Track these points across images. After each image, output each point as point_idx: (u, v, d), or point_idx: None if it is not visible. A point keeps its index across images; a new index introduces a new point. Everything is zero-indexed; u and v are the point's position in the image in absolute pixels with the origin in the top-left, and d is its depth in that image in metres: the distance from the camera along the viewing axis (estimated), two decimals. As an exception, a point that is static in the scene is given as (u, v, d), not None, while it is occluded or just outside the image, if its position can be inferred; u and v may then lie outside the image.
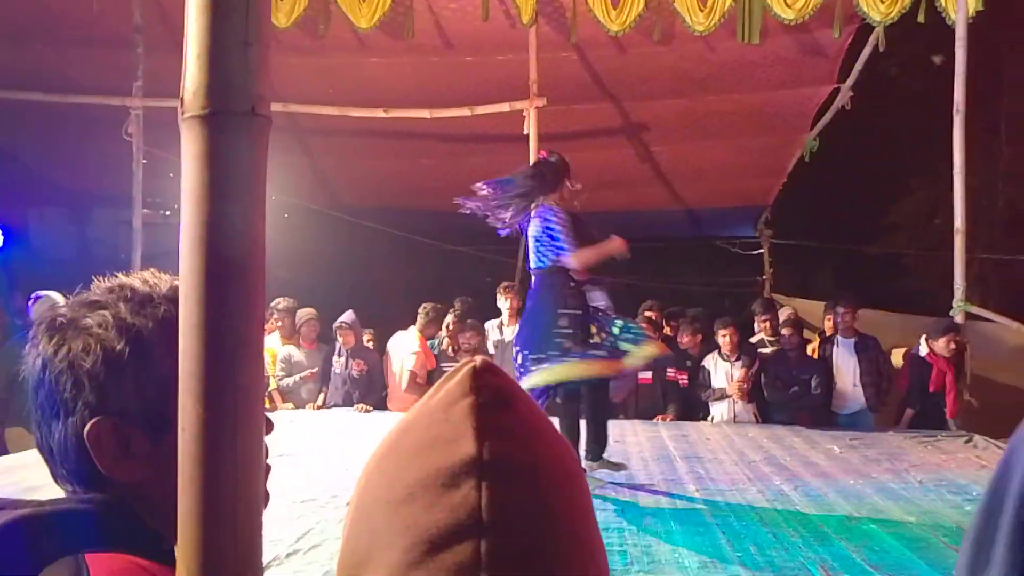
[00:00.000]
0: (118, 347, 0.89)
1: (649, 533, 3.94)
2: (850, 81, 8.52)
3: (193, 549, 0.70)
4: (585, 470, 4.62)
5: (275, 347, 7.72)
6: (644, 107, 9.05)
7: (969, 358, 7.00)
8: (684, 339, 7.56)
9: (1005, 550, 0.42)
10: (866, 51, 8.17)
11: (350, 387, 7.65)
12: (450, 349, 7.62)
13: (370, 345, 8.07)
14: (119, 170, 8.10)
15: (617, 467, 4.89)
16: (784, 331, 7.44)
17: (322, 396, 7.78)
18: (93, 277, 0.97)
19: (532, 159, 7.52)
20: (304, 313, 7.95)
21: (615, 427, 6.37)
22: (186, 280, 0.72)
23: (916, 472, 5.23)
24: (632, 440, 6.23)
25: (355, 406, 7.49)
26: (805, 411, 7.02)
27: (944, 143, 7.31)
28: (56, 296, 6.31)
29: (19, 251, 10.02)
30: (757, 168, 10.15)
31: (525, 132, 7.60)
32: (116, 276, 0.97)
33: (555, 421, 4.25)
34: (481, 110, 7.95)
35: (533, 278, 4.78)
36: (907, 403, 7.11)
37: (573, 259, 4.64)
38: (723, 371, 7.16)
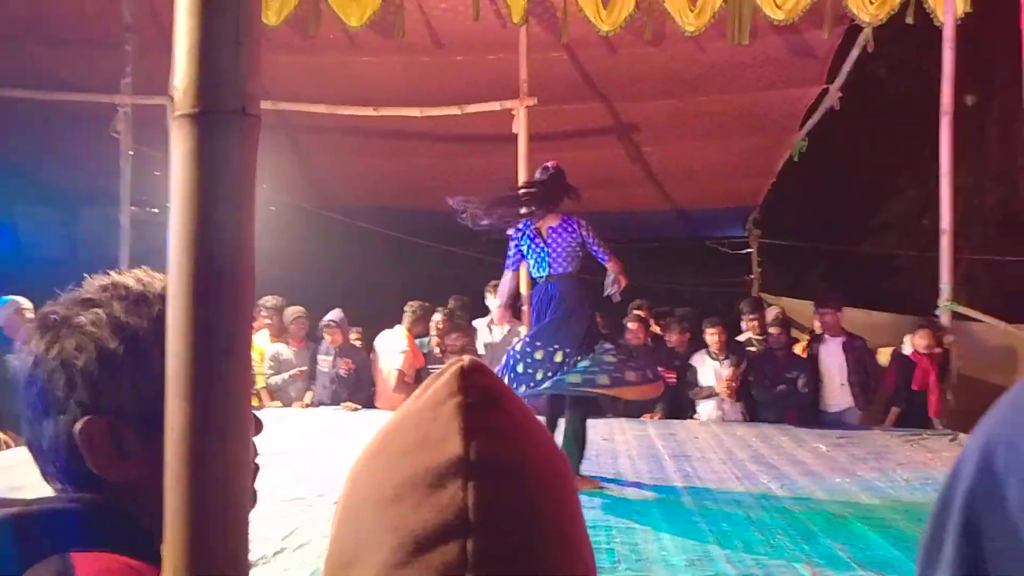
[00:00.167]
0: (112, 346, 0.89)
1: (636, 531, 3.95)
2: (839, 82, 8.56)
3: (180, 549, 0.70)
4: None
5: (263, 345, 7.70)
6: (634, 107, 9.06)
7: (955, 358, 7.06)
8: (672, 338, 7.58)
9: (953, 549, 0.43)
10: (855, 52, 8.20)
11: (338, 386, 7.64)
12: (437, 349, 7.61)
13: (357, 344, 8.06)
14: (107, 168, 8.06)
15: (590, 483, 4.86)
16: (772, 330, 7.48)
17: (310, 394, 7.77)
18: (84, 275, 0.96)
19: (522, 158, 7.54)
20: (292, 311, 7.94)
21: (603, 425, 6.39)
22: (174, 279, 0.72)
23: (902, 470, 5.26)
24: (620, 438, 6.25)
25: (342, 404, 7.48)
26: (792, 409, 7.06)
27: (932, 143, 7.36)
28: (22, 301, 6.27)
29: (6, 249, 9.97)
30: (746, 168, 10.18)
31: (515, 131, 7.60)
32: (109, 274, 0.96)
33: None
34: (471, 109, 7.94)
35: (557, 282, 4.90)
36: (893, 402, 7.16)
37: (614, 265, 5.00)
38: (711, 369, 7.18)
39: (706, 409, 7.20)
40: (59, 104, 8.22)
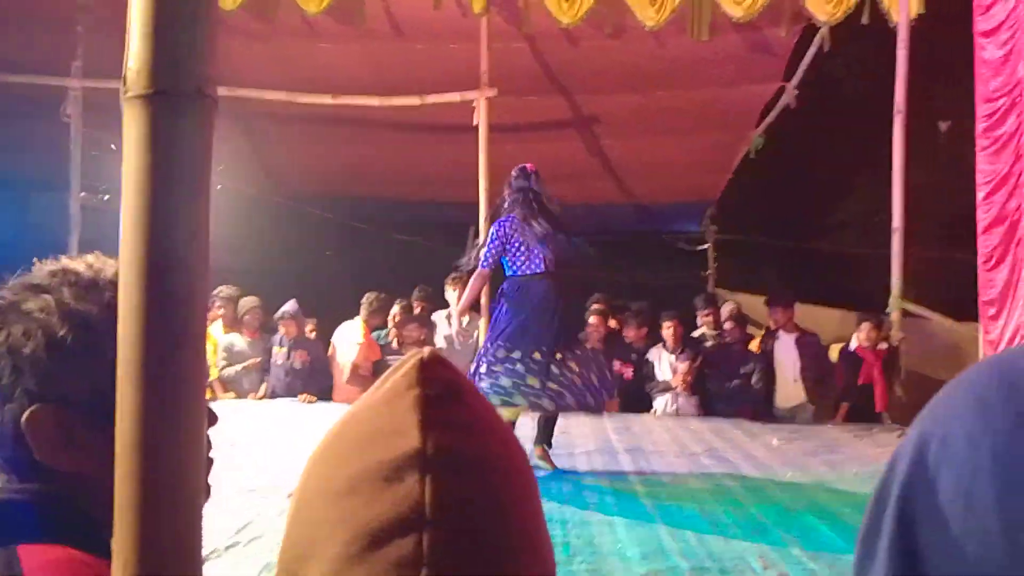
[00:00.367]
0: (61, 333, 0.87)
1: (592, 525, 3.97)
2: (796, 80, 8.68)
3: (130, 541, 0.68)
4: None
5: (217, 336, 7.60)
6: (595, 101, 9.09)
7: (903, 354, 7.21)
8: (629, 333, 7.63)
9: (888, 540, 0.44)
10: (811, 51, 8.32)
11: (292, 378, 7.56)
12: (395, 341, 7.56)
13: (313, 335, 7.99)
14: (56, 152, 7.88)
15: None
16: (727, 325, 7.57)
17: (264, 386, 7.68)
18: (33, 261, 0.94)
19: (482, 150, 7.53)
20: (247, 301, 7.83)
21: (559, 418, 6.41)
22: (126, 266, 0.70)
23: (852, 465, 5.36)
24: (576, 432, 6.27)
25: (299, 397, 7.40)
26: (747, 404, 7.15)
27: (885, 142, 7.49)
28: None
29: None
30: (704, 164, 10.27)
31: (475, 123, 7.58)
32: (59, 260, 0.94)
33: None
34: (432, 99, 7.90)
35: (545, 281, 4.92)
36: (843, 397, 7.28)
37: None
38: (667, 363, 7.24)
39: (662, 403, 7.26)
40: (6, 86, 8.01)
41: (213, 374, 7.45)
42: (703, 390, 7.28)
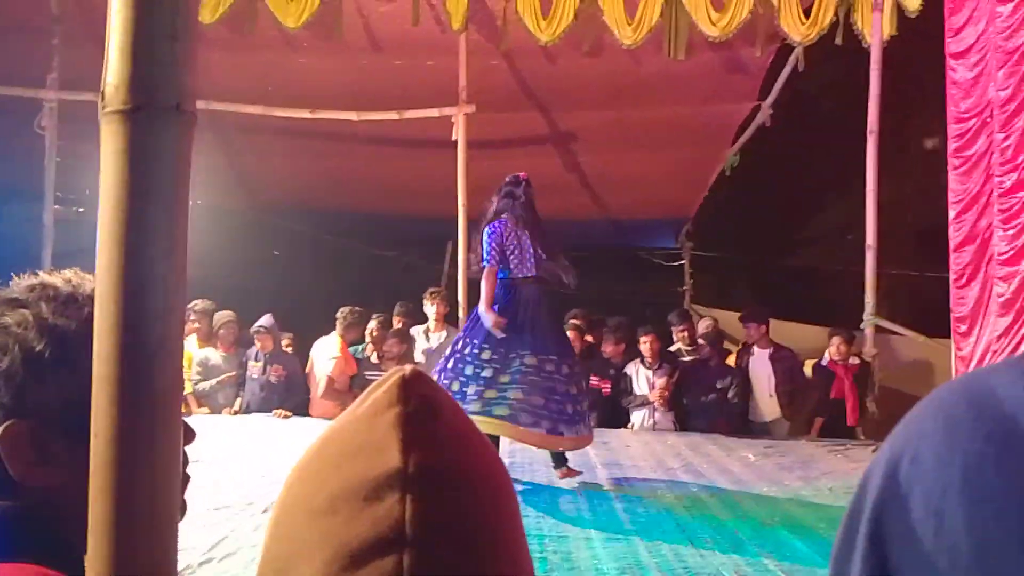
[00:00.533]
0: (38, 348, 0.86)
1: (569, 540, 3.96)
2: (771, 99, 8.77)
3: (104, 559, 0.67)
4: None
5: (191, 350, 7.52)
6: (572, 117, 9.14)
7: (876, 369, 7.27)
8: (607, 348, 7.63)
9: (861, 557, 0.45)
10: (786, 70, 8.41)
11: (268, 393, 7.50)
12: (374, 356, 7.52)
13: (289, 350, 7.93)
14: (30, 164, 7.80)
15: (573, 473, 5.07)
16: (701, 341, 7.61)
17: (239, 401, 7.61)
18: (7, 274, 0.93)
19: (461, 165, 7.54)
20: (222, 315, 7.76)
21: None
22: (102, 280, 0.69)
23: (827, 480, 5.39)
24: (554, 447, 6.26)
25: (274, 412, 7.34)
26: (723, 419, 7.17)
27: (857, 161, 7.59)
28: None
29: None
30: (680, 181, 10.34)
31: (454, 138, 7.59)
32: (37, 274, 0.93)
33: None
34: (410, 115, 7.91)
35: (535, 286, 5.03)
36: (816, 412, 7.33)
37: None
38: (644, 378, 7.25)
39: (639, 418, 7.27)
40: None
41: (187, 389, 7.37)
42: (680, 405, 7.30)
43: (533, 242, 5.02)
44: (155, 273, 0.69)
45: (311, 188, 10.44)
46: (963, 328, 6.06)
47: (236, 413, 7.49)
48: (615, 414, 7.35)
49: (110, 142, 0.70)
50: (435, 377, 4.69)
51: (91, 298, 0.88)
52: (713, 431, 6.99)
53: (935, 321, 7.60)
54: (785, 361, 7.31)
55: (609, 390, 7.37)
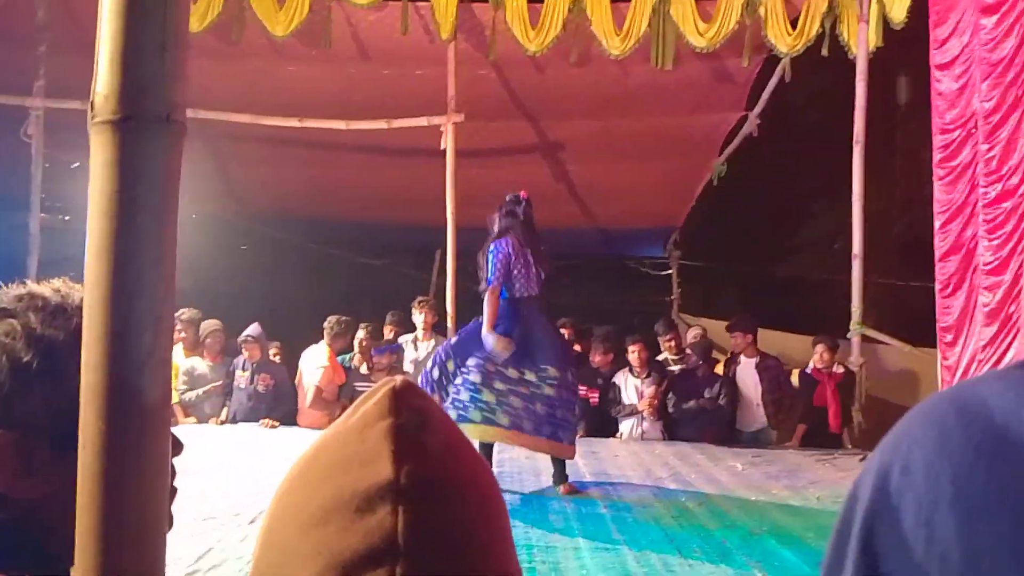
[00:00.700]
0: (25, 358, 0.85)
1: (557, 550, 3.96)
2: (758, 109, 8.82)
3: (91, 572, 0.67)
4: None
5: (178, 360, 7.48)
6: (560, 127, 9.16)
7: (863, 378, 7.30)
8: (596, 358, 7.63)
9: (852, 568, 0.45)
10: (773, 81, 8.46)
11: (256, 402, 7.46)
12: (363, 366, 7.50)
13: (276, 359, 7.90)
14: (16, 172, 7.76)
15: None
16: (689, 351, 7.63)
17: (226, 411, 7.57)
18: None
19: (450, 174, 7.54)
20: (208, 325, 7.73)
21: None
22: (91, 290, 0.69)
23: (814, 489, 5.40)
24: (542, 457, 6.24)
25: (261, 421, 7.30)
26: (711, 428, 7.17)
27: (844, 171, 7.64)
28: None
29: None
30: (668, 190, 10.38)
31: (442, 147, 7.60)
32: (25, 284, 0.92)
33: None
34: (399, 124, 7.91)
35: (538, 304, 5.13)
36: (799, 419, 7.34)
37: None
38: (633, 387, 7.25)
39: (627, 427, 7.27)
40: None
41: (174, 399, 7.33)
42: (668, 414, 7.30)
43: (536, 261, 5.08)
44: (144, 283, 0.69)
45: (299, 196, 10.42)
46: (949, 338, 6.10)
47: (223, 423, 7.45)
48: (603, 423, 7.35)
49: (100, 152, 0.70)
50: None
51: (80, 308, 0.87)
52: (701, 440, 7.00)
53: (921, 330, 7.65)
54: (771, 370, 7.33)
55: (597, 399, 7.38)
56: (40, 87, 7.52)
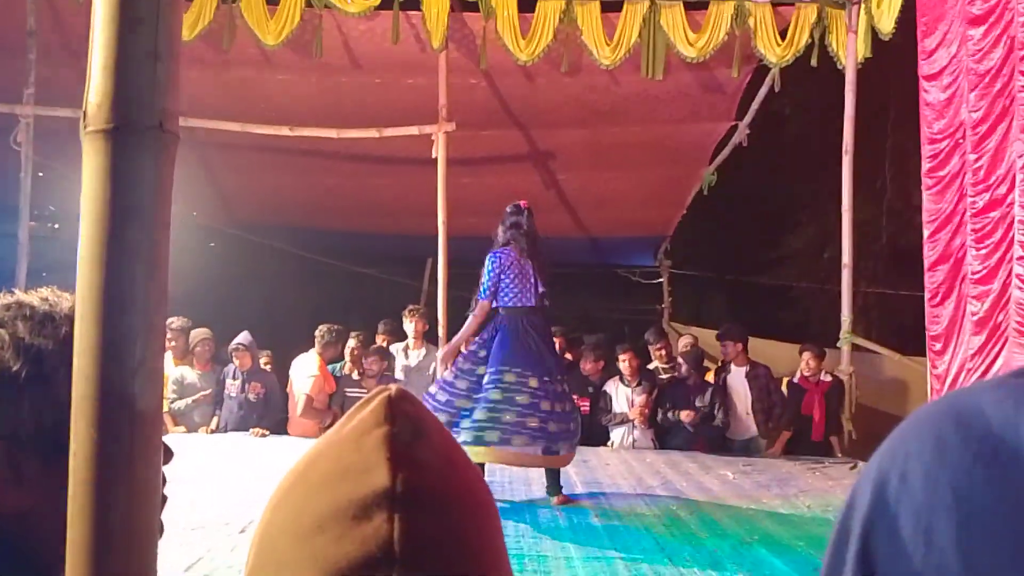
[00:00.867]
0: (14, 367, 0.85)
1: (548, 559, 3.95)
2: (747, 119, 8.85)
3: (82, 581, 0.66)
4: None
5: (167, 368, 7.45)
6: (550, 135, 9.18)
7: (853, 388, 7.32)
8: (587, 366, 7.63)
9: None
10: (762, 91, 8.50)
11: (247, 411, 7.43)
12: (354, 374, 7.48)
13: (267, 367, 7.88)
14: (5, 180, 7.73)
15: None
16: (680, 360, 7.64)
17: (216, 420, 7.54)
18: None
19: (441, 183, 7.55)
20: (198, 333, 7.71)
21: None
22: (83, 299, 0.69)
23: (805, 498, 5.41)
24: (533, 465, 6.25)
25: (251, 430, 7.27)
26: (702, 437, 7.18)
27: (832, 180, 7.68)
28: None
29: None
30: (658, 199, 10.41)
31: (434, 156, 7.60)
32: (13, 293, 0.92)
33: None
34: (390, 132, 7.91)
35: (535, 316, 5.12)
36: (783, 426, 7.34)
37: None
38: (623, 396, 7.25)
39: (618, 436, 7.27)
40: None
41: (163, 407, 7.29)
42: (658, 423, 7.30)
43: (536, 273, 5.08)
44: (137, 292, 0.69)
45: (290, 205, 10.41)
46: (938, 346, 6.12)
47: (212, 432, 7.42)
48: (594, 432, 7.34)
49: (92, 161, 0.70)
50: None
51: (68, 317, 0.87)
52: (692, 449, 7.00)
53: (910, 339, 7.68)
54: (761, 379, 7.34)
55: (588, 408, 7.37)
56: (30, 95, 7.49)
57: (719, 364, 7.91)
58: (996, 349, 5.25)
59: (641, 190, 10.07)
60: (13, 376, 0.85)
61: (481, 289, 5.09)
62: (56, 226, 8.02)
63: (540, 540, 4.27)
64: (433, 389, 5.18)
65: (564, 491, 5.14)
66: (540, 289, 5.09)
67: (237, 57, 7.68)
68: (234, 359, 7.49)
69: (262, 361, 7.83)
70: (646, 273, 12.68)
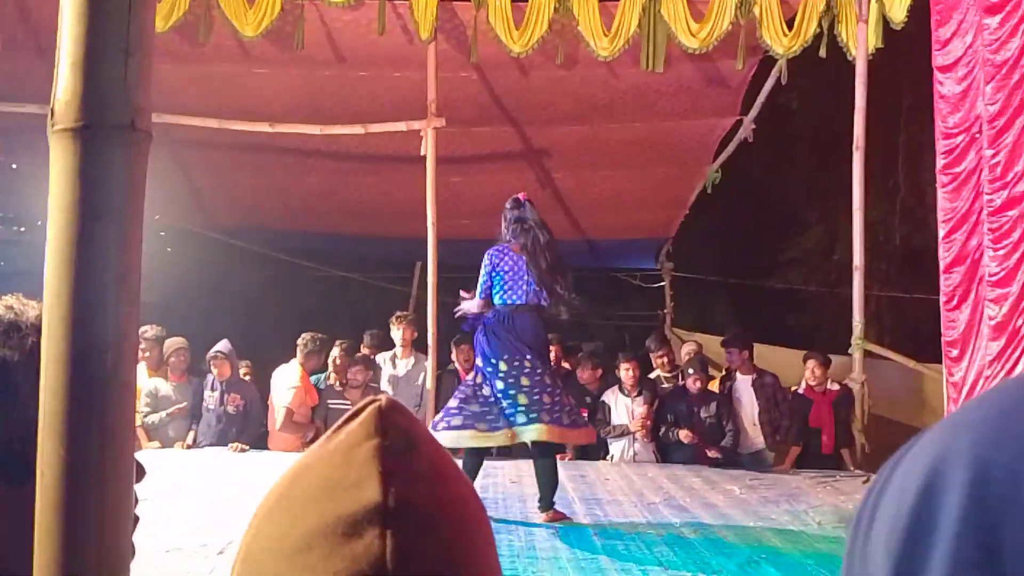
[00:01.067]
0: None
1: (545, 579, 3.95)
2: (753, 113, 8.86)
3: (49, 608, 0.66)
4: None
5: (140, 380, 7.42)
6: (545, 132, 9.18)
7: (865, 397, 7.30)
8: (584, 375, 7.63)
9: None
10: (768, 83, 8.52)
11: (225, 424, 7.41)
12: (337, 384, 7.47)
13: (247, 378, 7.86)
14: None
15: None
16: (689, 369, 7.62)
17: (192, 434, 7.51)
18: None
19: (430, 181, 7.54)
20: (173, 343, 7.67)
21: (511, 467, 6.39)
22: (51, 308, 0.69)
23: (815, 513, 5.41)
24: (529, 480, 6.22)
25: (230, 445, 7.24)
26: (708, 449, 7.16)
27: (842, 177, 7.68)
28: None
29: None
30: (659, 199, 10.41)
31: (423, 153, 7.59)
32: None
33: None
34: (375, 128, 7.91)
35: (528, 314, 5.14)
36: (792, 441, 7.32)
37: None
38: (623, 406, 7.24)
39: (618, 449, 7.26)
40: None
41: (136, 421, 7.26)
42: (660, 435, 7.29)
43: (536, 269, 5.10)
44: (107, 300, 0.69)
45: (270, 206, 10.39)
46: (954, 353, 6.13)
47: (189, 447, 7.39)
48: (592, 445, 7.33)
49: (60, 161, 0.70)
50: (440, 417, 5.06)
51: (35, 327, 0.87)
52: (696, 463, 6.99)
53: (925, 345, 7.68)
54: (768, 388, 7.32)
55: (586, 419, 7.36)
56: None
57: (724, 372, 7.90)
58: (1016, 355, 5.26)
59: (641, 189, 10.07)
60: None
61: (478, 290, 5.18)
62: (22, 229, 8.00)
63: (537, 559, 4.27)
64: (438, 416, 5.26)
65: (557, 507, 5.11)
66: (533, 287, 5.10)
67: (214, 50, 7.67)
68: (212, 368, 7.46)
69: (242, 371, 7.81)
70: (647, 276, 12.68)
